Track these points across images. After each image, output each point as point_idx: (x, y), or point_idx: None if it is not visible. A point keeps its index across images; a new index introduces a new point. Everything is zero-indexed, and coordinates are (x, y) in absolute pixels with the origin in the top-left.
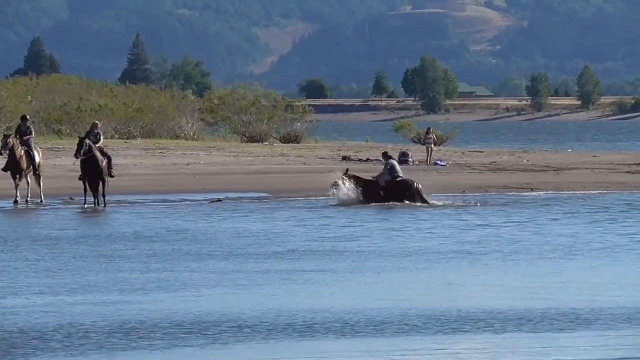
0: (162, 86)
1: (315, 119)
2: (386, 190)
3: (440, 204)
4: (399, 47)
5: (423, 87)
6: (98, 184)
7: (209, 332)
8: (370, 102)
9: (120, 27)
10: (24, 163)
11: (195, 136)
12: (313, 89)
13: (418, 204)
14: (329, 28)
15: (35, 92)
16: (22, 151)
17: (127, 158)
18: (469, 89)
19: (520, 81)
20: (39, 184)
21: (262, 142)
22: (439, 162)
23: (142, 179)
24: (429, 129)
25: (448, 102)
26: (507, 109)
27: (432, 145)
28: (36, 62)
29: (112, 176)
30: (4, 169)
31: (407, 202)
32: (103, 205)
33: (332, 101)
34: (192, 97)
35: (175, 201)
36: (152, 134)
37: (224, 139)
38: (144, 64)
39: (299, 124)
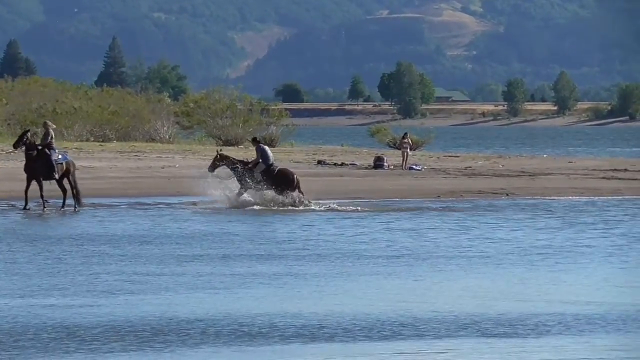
0: (138, 89)
1: (291, 123)
2: (265, 179)
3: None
4: (375, 51)
5: (399, 91)
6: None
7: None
8: (346, 107)
9: (97, 30)
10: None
11: (170, 139)
12: (289, 93)
13: (295, 194)
14: (305, 32)
15: (11, 94)
16: None
17: (102, 161)
18: (445, 94)
19: (497, 86)
20: None
21: (237, 146)
22: (414, 166)
23: (117, 182)
24: (405, 133)
25: (424, 106)
26: (483, 114)
27: (408, 150)
28: (12, 65)
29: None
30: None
31: (287, 192)
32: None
33: (308, 105)
34: (168, 101)
35: (150, 204)
36: (128, 137)
37: (200, 142)
38: (121, 67)
39: (274, 127)
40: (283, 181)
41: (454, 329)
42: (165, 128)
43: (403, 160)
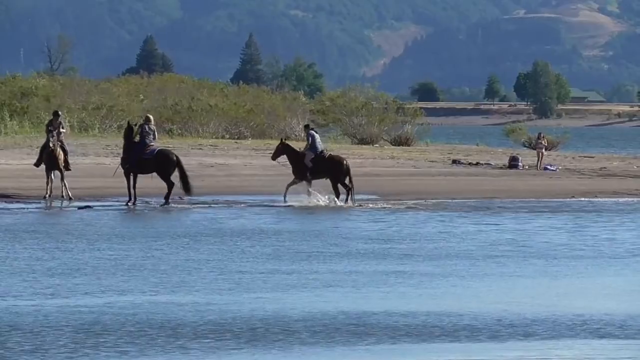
0: (274, 87)
1: (426, 122)
2: (313, 167)
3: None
4: (512, 51)
5: (535, 91)
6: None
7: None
8: (482, 106)
9: (234, 27)
10: (61, 158)
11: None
12: (425, 92)
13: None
14: (441, 31)
15: (147, 91)
16: (59, 147)
17: (237, 158)
18: (581, 95)
19: (633, 87)
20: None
21: (372, 145)
22: (549, 167)
23: (251, 180)
24: (540, 133)
25: (560, 107)
26: (619, 115)
27: (543, 150)
28: (148, 61)
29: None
30: (37, 164)
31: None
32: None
33: (444, 104)
34: (303, 99)
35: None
36: (263, 135)
37: (335, 140)
38: (257, 64)
39: (409, 126)
40: (334, 167)
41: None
42: (300, 126)
43: (538, 160)
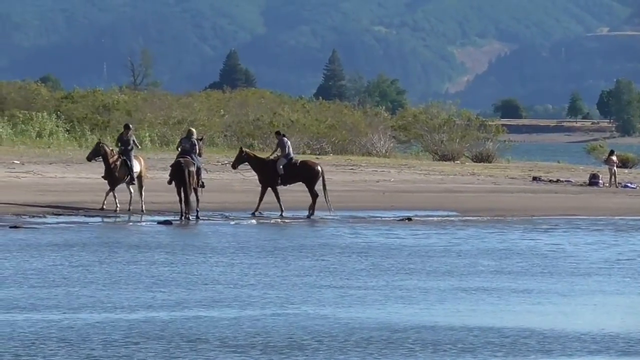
0: (356, 103)
1: (508, 139)
2: (285, 174)
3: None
4: (595, 68)
5: (618, 109)
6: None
7: None
8: (564, 124)
9: (317, 43)
10: (118, 172)
11: (387, 153)
12: (508, 109)
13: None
14: (525, 48)
15: (229, 105)
16: (119, 161)
17: None
18: None
19: None
20: (141, 194)
21: (453, 161)
22: (629, 184)
23: (331, 195)
24: (612, 151)
25: None
26: None
27: (614, 167)
28: (231, 76)
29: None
30: (104, 177)
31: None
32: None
33: (526, 121)
34: (385, 114)
35: (363, 218)
36: (345, 150)
37: (416, 157)
38: (340, 80)
39: (491, 143)
40: (308, 173)
41: None
42: (382, 142)
43: (610, 177)
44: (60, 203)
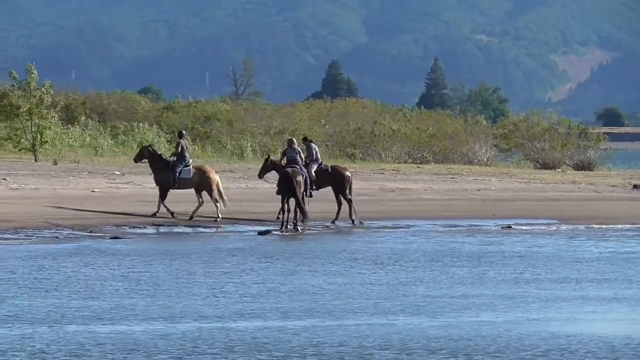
0: (457, 111)
1: (609, 147)
2: (317, 180)
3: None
4: None
5: None
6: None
7: None
8: None
9: (419, 51)
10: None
11: (488, 162)
12: (610, 117)
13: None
14: (627, 56)
15: (330, 115)
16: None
17: (417, 183)
18: None
19: None
20: (215, 204)
21: (554, 169)
22: None
23: (431, 204)
24: None
25: None
26: None
27: None
28: (333, 86)
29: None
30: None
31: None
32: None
33: (629, 129)
34: (485, 123)
35: (463, 227)
36: (446, 159)
37: (517, 165)
38: (442, 89)
39: (592, 151)
40: (339, 178)
41: None
42: (483, 150)
43: None
44: (160, 214)
